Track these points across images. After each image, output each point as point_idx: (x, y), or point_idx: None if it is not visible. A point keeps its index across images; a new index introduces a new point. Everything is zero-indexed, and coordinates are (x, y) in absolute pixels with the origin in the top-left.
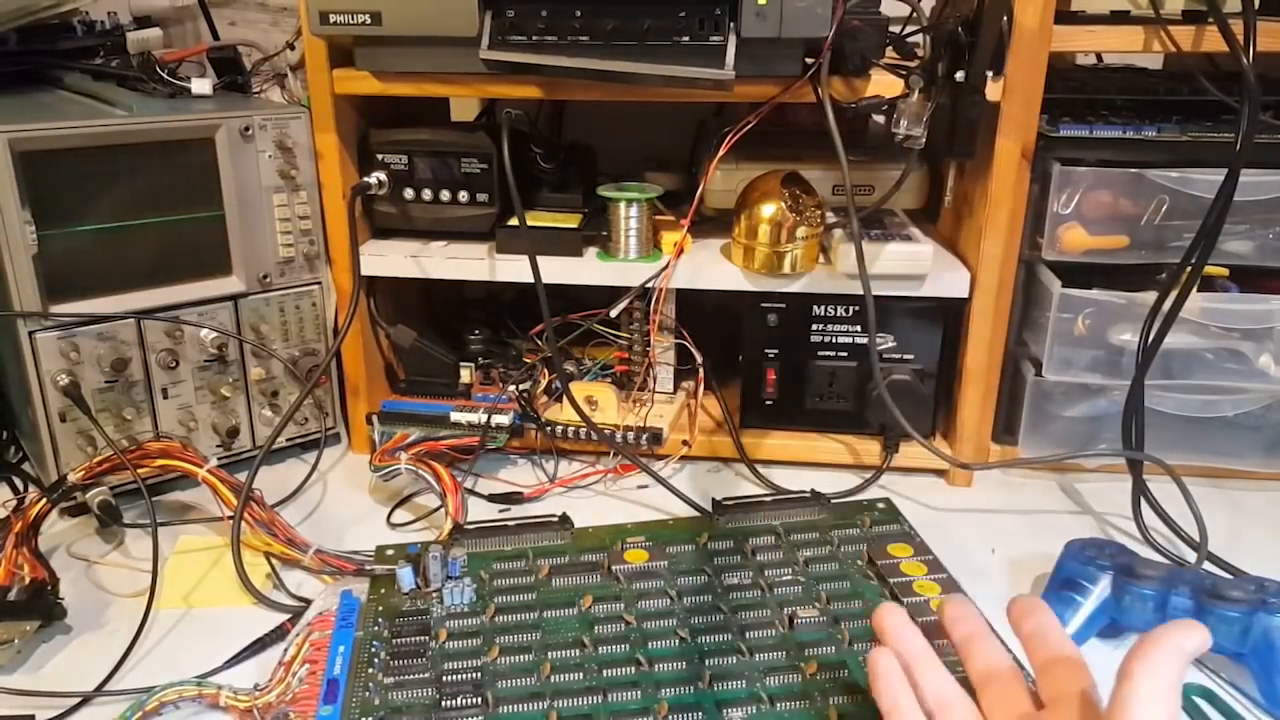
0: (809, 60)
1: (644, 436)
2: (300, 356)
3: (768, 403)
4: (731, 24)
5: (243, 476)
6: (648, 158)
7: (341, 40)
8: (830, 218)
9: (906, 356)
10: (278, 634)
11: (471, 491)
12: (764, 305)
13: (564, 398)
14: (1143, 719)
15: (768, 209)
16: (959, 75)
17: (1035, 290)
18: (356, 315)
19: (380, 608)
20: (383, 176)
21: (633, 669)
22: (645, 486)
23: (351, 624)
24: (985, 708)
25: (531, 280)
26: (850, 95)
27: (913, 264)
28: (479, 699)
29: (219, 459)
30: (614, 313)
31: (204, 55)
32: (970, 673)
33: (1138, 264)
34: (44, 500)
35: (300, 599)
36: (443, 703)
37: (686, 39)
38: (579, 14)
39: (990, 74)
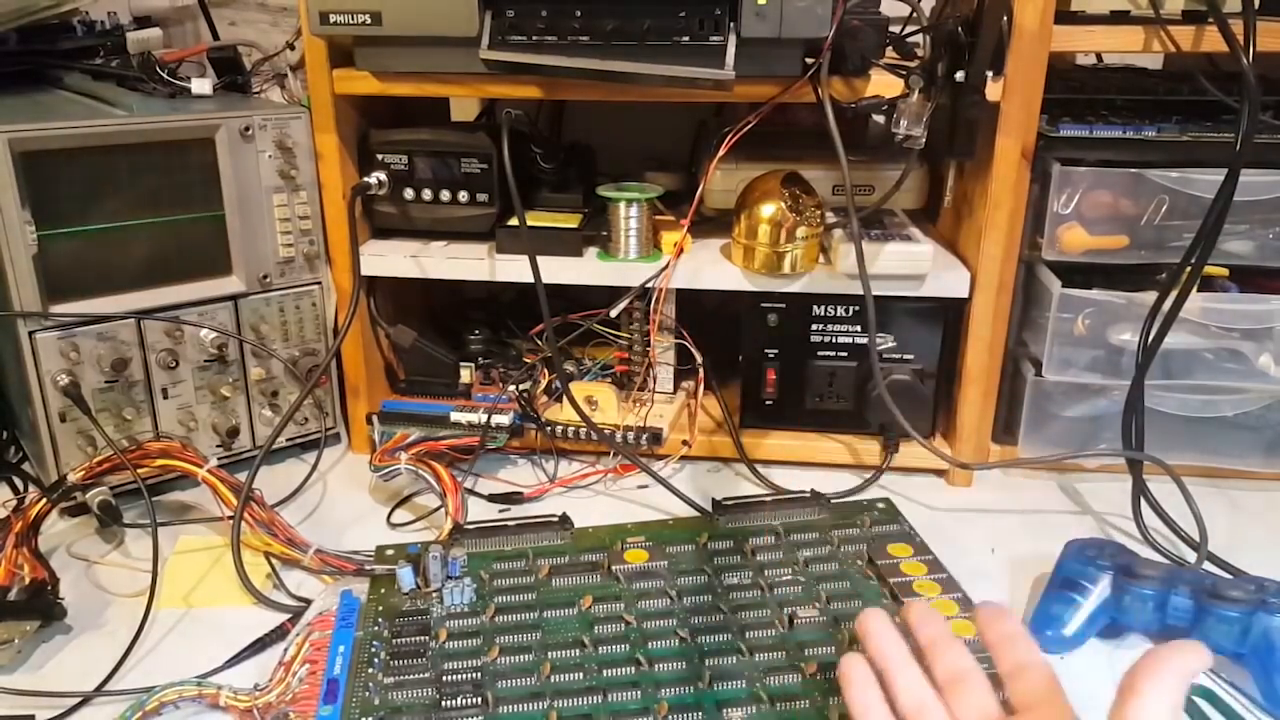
0: (809, 60)
1: (644, 436)
2: (300, 356)
3: (768, 403)
4: (731, 24)
5: (243, 476)
6: (648, 158)
7: (341, 40)
8: (830, 218)
9: (906, 356)
10: (278, 634)
11: (471, 491)
12: (764, 305)
13: (564, 398)
14: (1151, 706)
15: (768, 209)
16: (959, 75)
17: (1035, 290)
18: (356, 315)
19: (380, 608)
20: (383, 176)
21: (633, 669)
22: (645, 486)
23: (351, 624)
24: (952, 708)
25: (531, 280)
26: (850, 95)
27: (913, 264)
28: (479, 699)
29: (219, 459)
30: (614, 313)
31: (204, 55)
32: (935, 672)
33: (1138, 264)
34: (44, 500)
35: (300, 599)
36: (443, 703)
37: (686, 39)
38: (579, 14)
39: (990, 74)
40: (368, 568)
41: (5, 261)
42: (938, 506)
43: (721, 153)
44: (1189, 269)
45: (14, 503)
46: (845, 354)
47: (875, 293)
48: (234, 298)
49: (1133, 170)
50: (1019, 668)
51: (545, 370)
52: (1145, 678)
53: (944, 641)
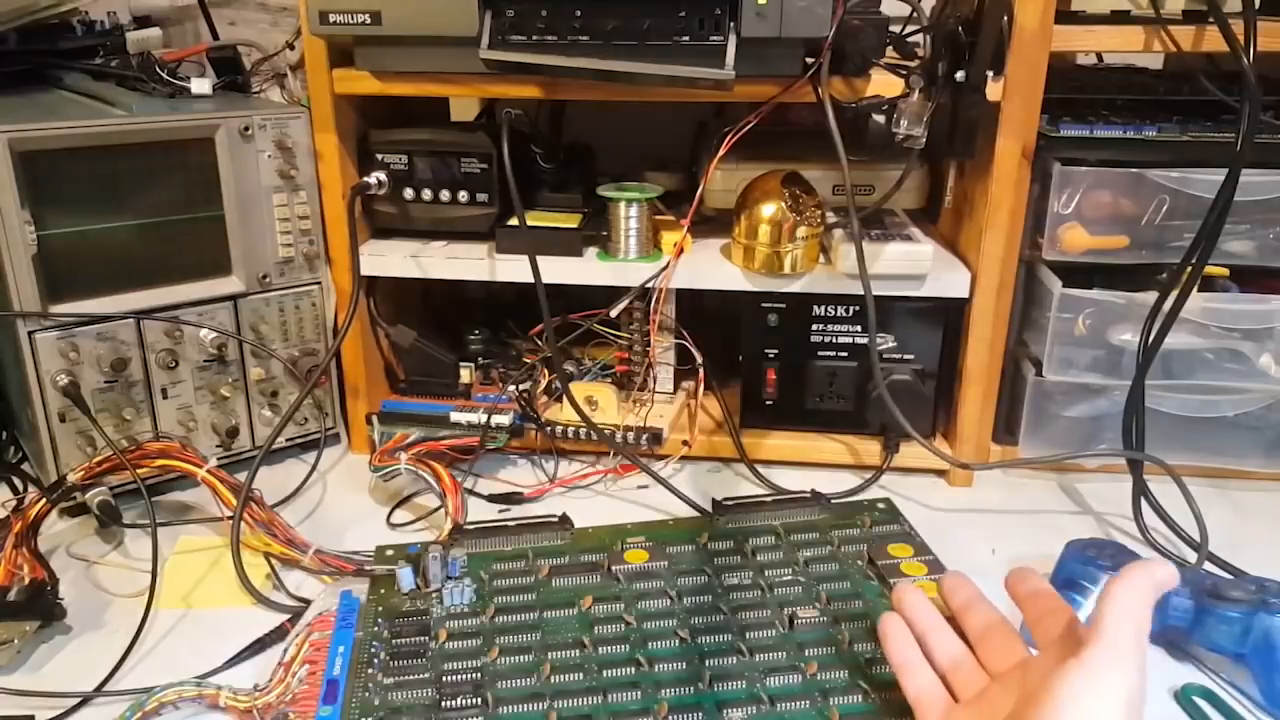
0: (809, 60)
1: (644, 436)
2: (300, 356)
3: (768, 403)
4: (731, 24)
5: (242, 476)
6: (648, 158)
7: (341, 40)
8: (830, 218)
9: (907, 356)
10: (277, 634)
11: (471, 492)
12: (764, 305)
13: (564, 398)
14: (1117, 629)
15: (768, 209)
16: (959, 75)
17: (1035, 290)
18: (356, 315)
19: (380, 608)
20: (383, 176)
21: (633, 669)
22: (645, 486)
23: (351, 624)
24: (983, 658)
25: (531, 280)
26: (850, 95)
27: (913, 264)
28: (479, 699)
29: (219, 459)
30: (614, 313)
31: (204, 55)
32: (968, 630)
33: (1138, 264)
34: (44, 500)
35: (300, 599)
36: (443, 703)
37: (687, 39)
38: (579, 14)
39: (990, 74)
40: (367, 568)
41: (5, 261)
42: (938, 506)
43: (721, 153)
44: (1189, 269)
45: (14, 503)
46: (845, 354)
47: (875, 293)
48: (233, 298)
49: (1133, 170)
50: (1042, 614)
51: (545, 370)
52: (1117, 583)
53: (974, 602)
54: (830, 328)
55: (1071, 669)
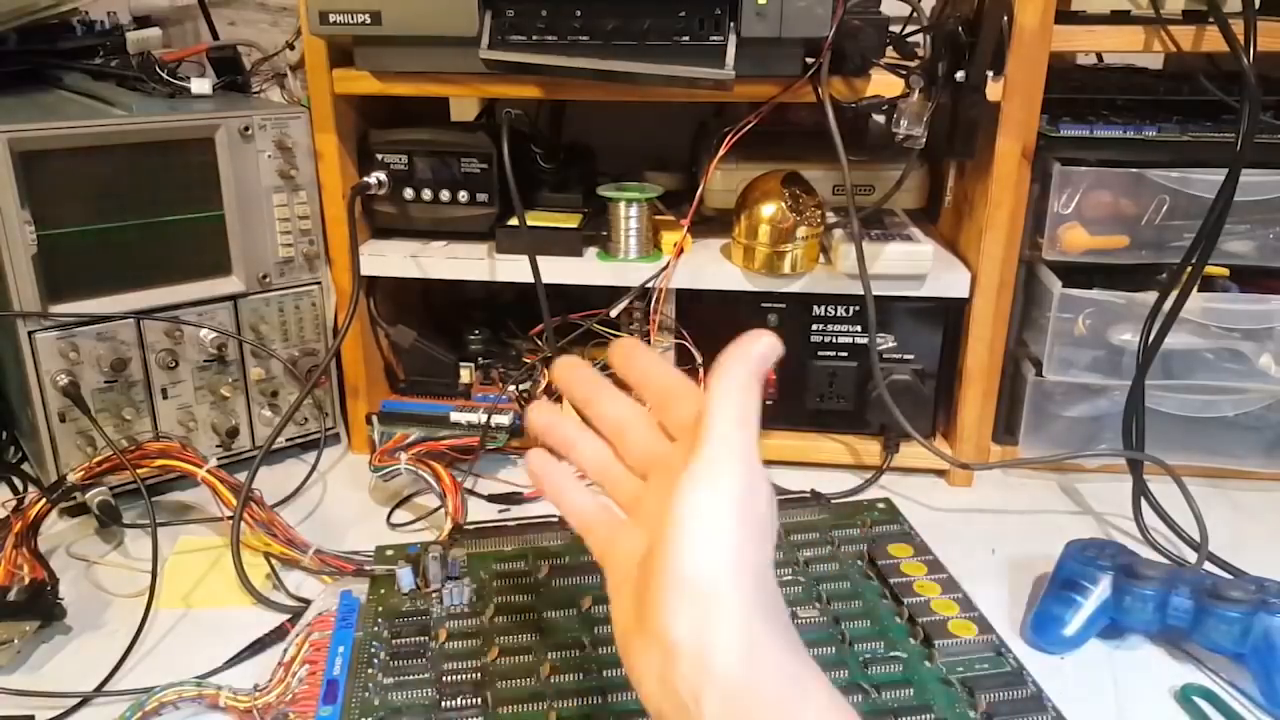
0: (809, 60)
1: None
2: (300, 356)
3: (768, 403)
4: (731, 24)
5: (242, 476)
6: (648, 158)
7: (341, 40)
8: (830, 218)
9: (907, 356)
10: (277, 634)
11: (471, 492)
12: (764, 305)
13: (564, 398)
14: (716, 429)
15: (768, 209)
16: (959, 75)
17: (1035, 290)
18: (356, 315)
19: (380, 608)
20: (383, 176)
21: None
22: None
23: (351, 624)
24: (624, 452)
25: (531, 280)
26: (850, 95)
27: (913, 264)
28: (479, 699)
29: (219, 459)
30: (614, 313)
31: (204, 55)
32: (601, 426)
33: (1138, 264)
34: (44, 500)
35: (300, 599)
36: (442, 703)
37: (686, 39)
38: (579, 14)
39: (990, 74)
40: (367, 568)
41: (5, 261)
42: (938, 506)
43: (721, 153)
44: (1189, 269)
45: (14, 503)
46: (845, 354)
47: (875, 293)
48: (233, 298)
49: (1133, 170)
50: (665, 396)
51: (545, 370)
52: (715, 376)
53: (603, 396)
54: (830, 328)
55: (681, 485)
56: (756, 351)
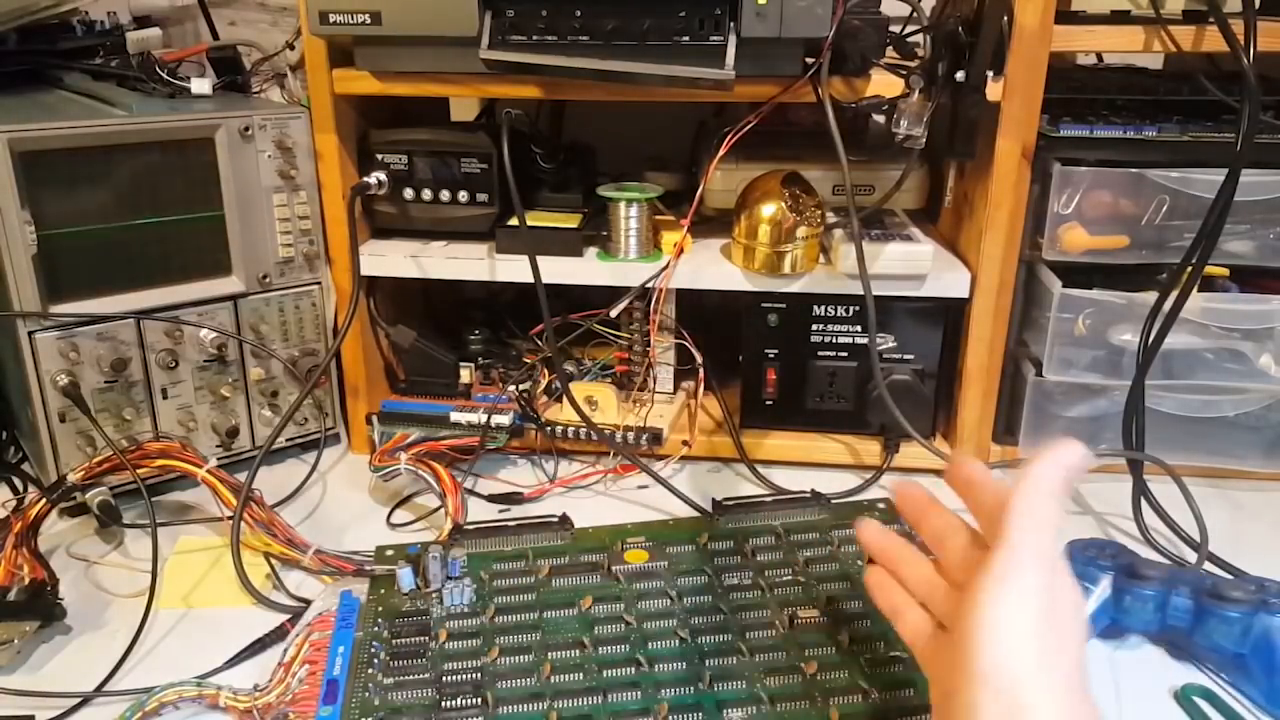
0: (809, 60)
1: (644, 436)
2: (300, 356)
3: (768, 403)
4: (731, 24)
5: (242, 476)
6: (648, 158)
7: (341, 40)
8: (830, 218)
9: (907, 356)
10: (277, 634)
11: (471, 492)
12: (764, 305)
13: (564, 398)
14: (1020, 530)
15: (768, 209)
16: (959, 75)
17: (1035, 290)
18: (356, 315)
19: (380, 608)
20: (383, 176)
21: (633, 669)
22: (645, 487)
23: (351, 624)
24: (943, 564)
25: (531, 280)
26: (850, 95)
27: (913, 264)
28: (479, 699)
29: (219, 459)
30: (614, 313)
31: (204, 55)
32: (925, 538)
33: (1138, 264)
34: (44, 500)
35: (300, 599)
36: (443, 703)
37: (686, 39)
38: (579, 14)
39: (990, 74)
40: (367, 568)
41: (5, 261)
42: None
43: (721, 153)
44: (1189, 269)
45: (14, 503)
46: (845, 354)
47: (875, 293)
48: (233, 298)
49: (1133, 170)
50: (989, 507)
51: (545, 370)
52: (1023, 480)
53: (926, 511)
54: (830, 328)
55: (982, 583)
56: (1068, 461)
